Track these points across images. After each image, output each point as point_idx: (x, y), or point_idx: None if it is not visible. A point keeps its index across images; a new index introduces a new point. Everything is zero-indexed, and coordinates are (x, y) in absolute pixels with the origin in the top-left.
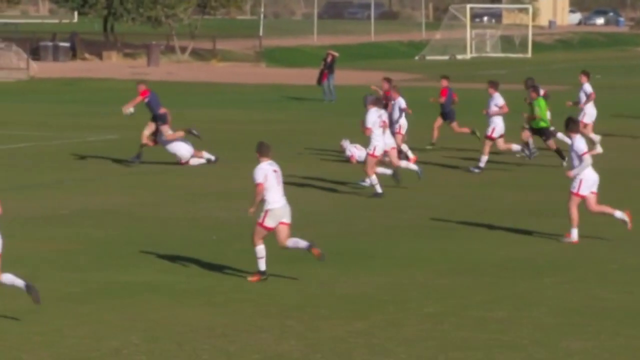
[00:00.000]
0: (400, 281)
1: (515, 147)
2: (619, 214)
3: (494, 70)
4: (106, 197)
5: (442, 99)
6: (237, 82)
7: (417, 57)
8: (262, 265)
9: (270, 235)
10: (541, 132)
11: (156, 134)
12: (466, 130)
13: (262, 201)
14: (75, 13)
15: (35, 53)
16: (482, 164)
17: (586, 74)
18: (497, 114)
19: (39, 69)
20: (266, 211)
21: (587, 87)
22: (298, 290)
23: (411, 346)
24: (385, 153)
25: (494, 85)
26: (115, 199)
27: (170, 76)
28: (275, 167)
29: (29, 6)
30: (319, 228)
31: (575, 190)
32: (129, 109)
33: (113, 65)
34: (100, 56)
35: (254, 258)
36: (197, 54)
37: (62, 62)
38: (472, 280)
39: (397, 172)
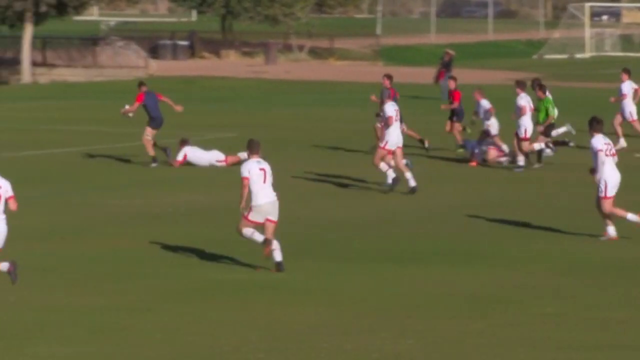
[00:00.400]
0: (518, 281)
1: (537, 145)
2: (631, 216)
3: (613, 69)
4: (219, 194)
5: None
6: (354, 80)
7: (535, 56)
8: (259, 237)
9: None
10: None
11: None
12: (415, 135)
13: (250, 197)
14: (194, 12)
15: (154, 51)
16: (522, 163)
17: (627, 71)
18: (518, 116)
19: (158, 67)
20: (251, 207)
21: (625, 86)
22: (417, 290)
23: (531, 347)
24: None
25: (521, 85)
26: (229, 197)
27: (288, 75)
28: (263, 165)
29: (148, 5)
30: (432, 227)
31: (602, 195)
32: (129, 114)
33: (231, 64)
34: (218, 54)
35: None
36: (315, 53)
37: (180, 60)
38: (592, 281)
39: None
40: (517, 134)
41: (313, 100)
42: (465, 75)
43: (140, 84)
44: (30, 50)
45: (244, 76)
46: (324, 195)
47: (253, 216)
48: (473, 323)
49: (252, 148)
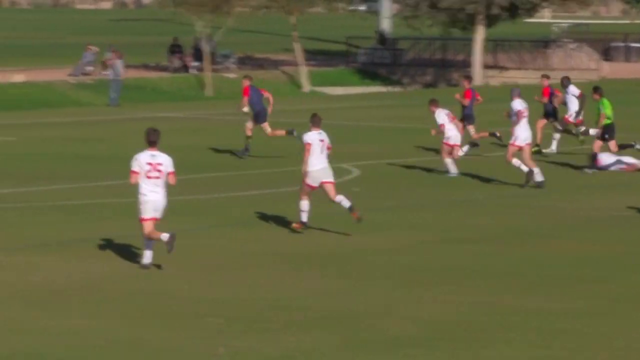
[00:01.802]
0: None
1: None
2: None
3: None
4: None
5: (466, 101)
6: None
7: None
8: (304, 217)
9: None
10: (606, 131)
11: None
12: (484, 134)
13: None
14: None
15: (607, 54)
16: None
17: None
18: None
19: (610, 69)
20: (305, 173)
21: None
22: None
23: None
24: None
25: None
26: None
27: None
28: (323, 137)
29: (600, 7)
30: None
31: None
32: (244, 109)
33: None
34: None
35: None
36: None
37: (633, 62)
38: None
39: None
40: None
41: None
42: None
43: (245, 77)
44: (482, 53)
45: None
46: None
47: (308, 181)
48: None
49: (314, 122)
